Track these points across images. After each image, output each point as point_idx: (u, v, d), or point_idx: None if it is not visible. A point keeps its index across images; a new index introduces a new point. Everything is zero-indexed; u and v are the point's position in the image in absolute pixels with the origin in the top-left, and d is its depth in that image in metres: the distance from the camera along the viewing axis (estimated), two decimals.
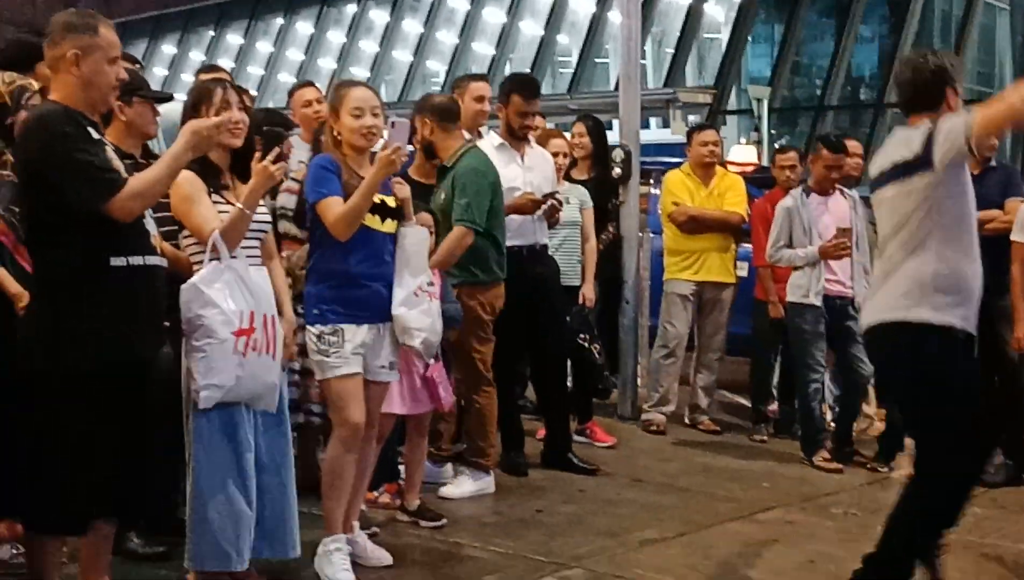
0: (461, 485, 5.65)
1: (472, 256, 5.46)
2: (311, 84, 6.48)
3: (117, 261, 3.53)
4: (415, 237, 4.51)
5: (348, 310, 4.35)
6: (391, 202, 4.45)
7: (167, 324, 3.82)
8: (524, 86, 6.21)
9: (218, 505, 3.92)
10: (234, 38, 31.73)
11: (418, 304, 4.44)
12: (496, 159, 5.83)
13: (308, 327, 4.40)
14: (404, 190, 4.51)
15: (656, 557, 4.89)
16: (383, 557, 4.63)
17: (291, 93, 6.42)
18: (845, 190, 6.87)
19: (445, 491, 5.61)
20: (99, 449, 3.55)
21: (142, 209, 3.57)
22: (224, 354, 3.83)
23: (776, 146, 15.93)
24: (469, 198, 5.36)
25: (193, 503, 3.94)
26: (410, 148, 5.23)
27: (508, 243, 5.78)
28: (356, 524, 4.63)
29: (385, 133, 4.42)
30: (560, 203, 6.29)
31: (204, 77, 5.22)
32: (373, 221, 4.37)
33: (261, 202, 4.06)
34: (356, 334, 4.36)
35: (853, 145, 7.41)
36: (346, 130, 4.40)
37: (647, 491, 5.98)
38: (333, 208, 4.31)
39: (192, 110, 4.01)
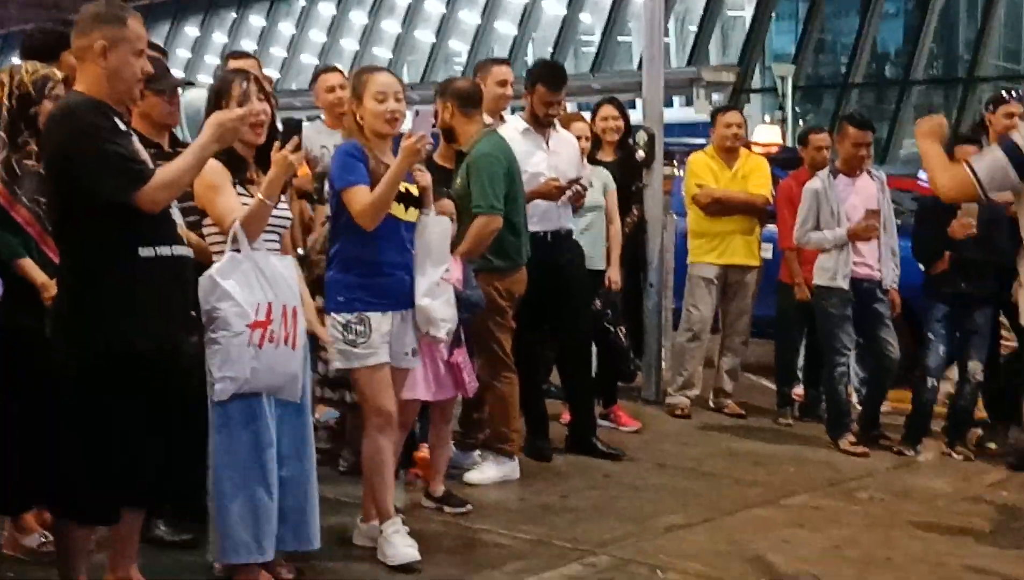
0: (485, 471, 5.65)
1: None
2: (335, 69, 6.47)
3: (145, 251, 3.53)
4: (438, 227, 4.52)
5: (373, 297, 4.37)
6: (415, 191, 4.45)
7: (193, 313, 3.83)
8: (550, 76, 6.16)
9: (238, 496, 3.90)
10: (256, 20, 31.75)
11: (441, 294, 4.47)
12: (521, 144, 5.82)
13: (333, 315, 4.41)
14: (425, 178, 4.51)
15: (681, 543, 4.89)
16: None
17: (315, 77, 6.40)
18: (872, 171, 6.81)
19: (469, 477, 5.61)
20: (126, 437, 3.56)
21: (169, 200, 3.57)
22: (239, 347, 3.81)
23: (802, 124, 15.83)
24: (484, 184, 5.31)
25: (214, 495, 3.93)
26: (434, 132, 5.21)
27: (532, 228, 5.76)
28: None
29: (409, 121, 4.41)
30: (584, 189, 6.26)
31: (231, 65, 5.21)
32: (397, 210, 4.38)
33: (283, 198, 4.05)
34: (382, 322, 4.38)
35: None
36: (369, 115, 4.40)
37: (672, 476, 5.98)
38: (360, 197, 4.31)
39: (214, 105, 4.01)
